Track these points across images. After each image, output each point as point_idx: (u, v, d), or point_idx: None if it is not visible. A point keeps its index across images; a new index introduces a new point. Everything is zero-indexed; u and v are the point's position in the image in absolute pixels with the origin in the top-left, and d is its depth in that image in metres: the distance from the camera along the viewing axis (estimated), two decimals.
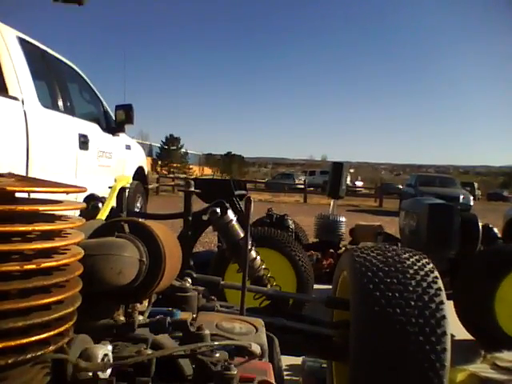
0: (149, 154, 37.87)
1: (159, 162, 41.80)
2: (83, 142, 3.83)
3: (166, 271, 0.98)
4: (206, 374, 0.81)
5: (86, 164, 3.90)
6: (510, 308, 2.63)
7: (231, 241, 2.15)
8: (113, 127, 4.60)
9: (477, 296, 2.70)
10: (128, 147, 5.17)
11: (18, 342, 0.64)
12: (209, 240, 5.81)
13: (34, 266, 0.66)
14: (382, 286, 1.29)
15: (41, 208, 0.70)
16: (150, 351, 0.82)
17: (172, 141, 43.55)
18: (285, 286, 2.55)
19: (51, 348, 0.70)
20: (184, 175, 30.29)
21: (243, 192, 2.82)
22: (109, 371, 0.74)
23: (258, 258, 2.25)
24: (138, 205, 5.11)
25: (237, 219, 2.18)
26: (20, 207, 0.66)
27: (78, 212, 2.06)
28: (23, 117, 3.01)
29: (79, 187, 0.80)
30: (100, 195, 2.24)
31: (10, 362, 0.63)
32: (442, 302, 1.27)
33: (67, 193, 0.76)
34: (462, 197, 14.53)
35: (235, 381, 0.76)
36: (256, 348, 0.94)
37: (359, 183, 41.70)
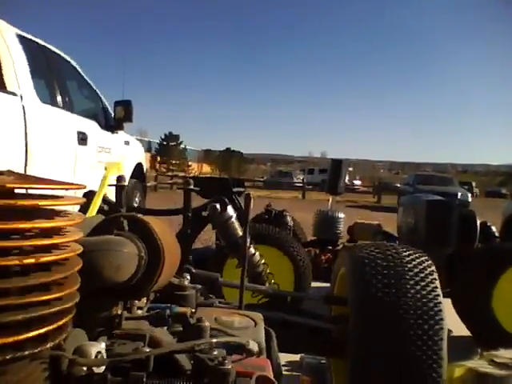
0: (147, 149, 37.65)
1: (158, 158, 41.53)
2: (82, 138, 3.83)
3: (165, 268, 0.98)
4: (203, 370, 0.82)
5: (85, 159, 3.90)
6: (507, 304, 2.65)
7: (230, 238, 2.15)
8: (111, 124, 4.59)
9: (475, 293, 2.71)
10: (127, 143, 5.17)
11: (16, 338, 0.64)
12: (208, 237, 5.80)
13: (33, 261, 0.67)
14: (380, 284, 1.29)
15: (40, 203, 0.70)
16: (147, 349, 0.82)
17: (171, 138, 43.31)
18: (283, 281, 2.56)
19: (49, 344, 0.70)
20: (182, 173, 30.10)
21: (241, 189, 2.83)
22: (103, 367, 0.75)
23: (257, 254, 2.25)
24: (137, 199, 5.14)
25: (236, 216, 2.17)
26: (20, 202, 0.67)
27: (77, 207, 2.07)
28: (22, 112, 3.03)
29: (78, 184, 0.81)
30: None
31: (7, 357, 0.64)
32: (439, 299, 1.28)
33: (66, 190, 0.77)
34: (459, 194, 14.61)
35: (230, 375, 0.76)
36: (253, 346, 0.94)
37: (357, 182, 41.21)
